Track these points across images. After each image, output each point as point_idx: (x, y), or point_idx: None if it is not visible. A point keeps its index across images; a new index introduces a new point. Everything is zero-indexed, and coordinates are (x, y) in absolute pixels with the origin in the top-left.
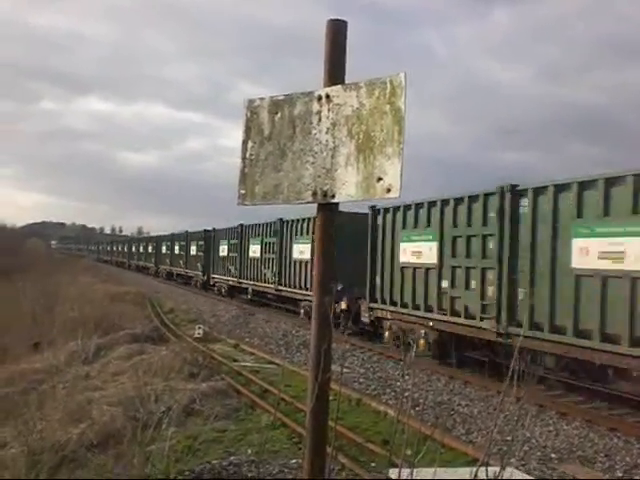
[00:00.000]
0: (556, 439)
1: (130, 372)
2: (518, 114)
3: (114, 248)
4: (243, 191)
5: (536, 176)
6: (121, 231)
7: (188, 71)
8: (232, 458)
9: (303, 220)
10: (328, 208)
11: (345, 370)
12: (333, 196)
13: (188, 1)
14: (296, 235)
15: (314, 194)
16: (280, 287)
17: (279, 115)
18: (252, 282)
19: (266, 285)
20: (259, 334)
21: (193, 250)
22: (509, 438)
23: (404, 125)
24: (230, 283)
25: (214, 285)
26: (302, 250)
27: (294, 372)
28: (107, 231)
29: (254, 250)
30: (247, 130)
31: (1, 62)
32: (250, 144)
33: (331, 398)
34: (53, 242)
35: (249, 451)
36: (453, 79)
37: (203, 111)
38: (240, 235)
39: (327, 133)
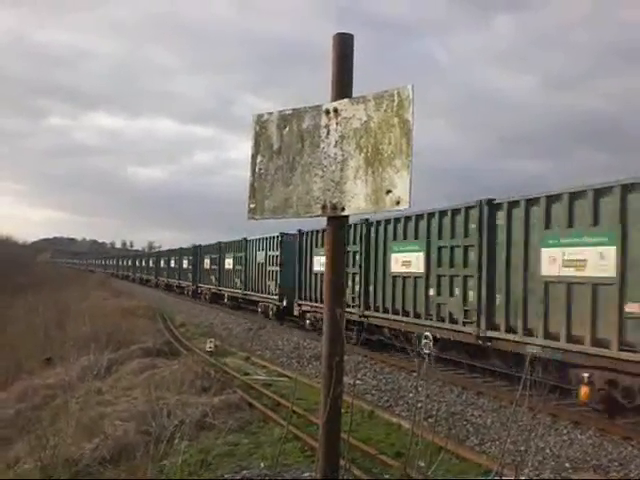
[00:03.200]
0: (570, 448)
1: (142, 386)
2: (524, 122)
3: (120, 263)
4: (253, 205)
5: (543, 184)
6: (132, 245)
7: (194, 85)
8: (245, 472)
9: (264, 239)
10: (338, 221)
11: (357, 382)
12: (343, 209)
13: (193, 16)
14: (258, 250)
15: (323, 207)
16: (246, 292)
17: (287, 129)
18: (228, 289)
19: (237, 291)
20: (270, 347)
21: (185, 264)
22: (523, 448)
23: (412, 137)
24: (212, 290)
25: (200, 293)
26: (260, 261)
27: (306, 385)
28: (118, 246)
29: (228, 263)
30: (256, 144)
31: (9, 79)
32: (259, 158)
33: (343, 410)
34: (48, 255)
35: (262, 464)
36: (457, 88)
37: (210, 125)
38: (219, 250)
39: (336, 146)
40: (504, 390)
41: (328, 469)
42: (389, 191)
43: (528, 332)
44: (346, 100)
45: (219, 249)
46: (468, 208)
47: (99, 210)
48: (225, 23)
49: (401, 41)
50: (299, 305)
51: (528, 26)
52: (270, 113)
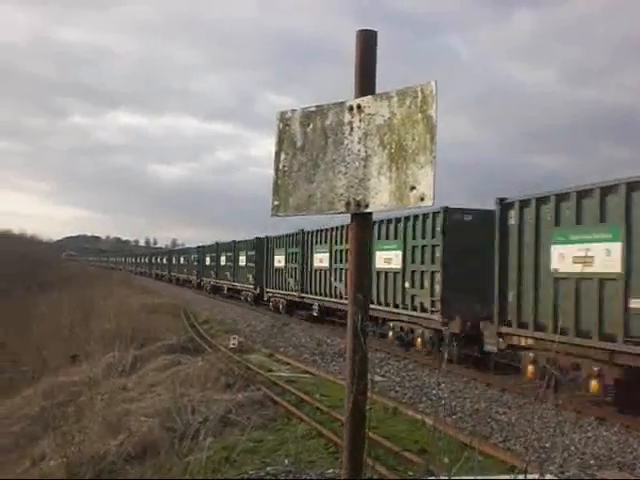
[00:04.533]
0: (595, 445)
1: (166, 383)
2: (544, 117)
3: (138, 260)
4: (277, 202)
5: (565, 179)
6: (155, 243)
7: (215, 83)
8: (269, 468)
9: (245, 241)
10: (362, 218)
11: (381, 379)
12: (366, 206)
13: (214, 14)
14: (241, 251)
15: (347, 204)
16: (234, 283)
17: (311, 126)
18: (221, 281)
19: (225, 282)
20: (293, 343)
21: (195, 261)
22: (547, 445)
23: (436, 133)
24: (212, 284)
25: (203, 285)
26: (225, 263)
27: (329, 381)
28: (142, 243)
29: (222, 260)
30: (279, 142)
31: (32, 78)
32: (283, 156)
33: (367, 407)
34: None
35: (286, 461)
36: (477, 83)
37: (231, 122)
38: (216, 250)
39: (359, 143)
40: (528, 387)
41: (352, 466)
42: (413, 187)
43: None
44: (369, 97)
45: (216, 249)
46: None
47: (122, 208)
48: (246, 21)
49: (421, 37)
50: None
51: (548, 20)
52: (293, 110)
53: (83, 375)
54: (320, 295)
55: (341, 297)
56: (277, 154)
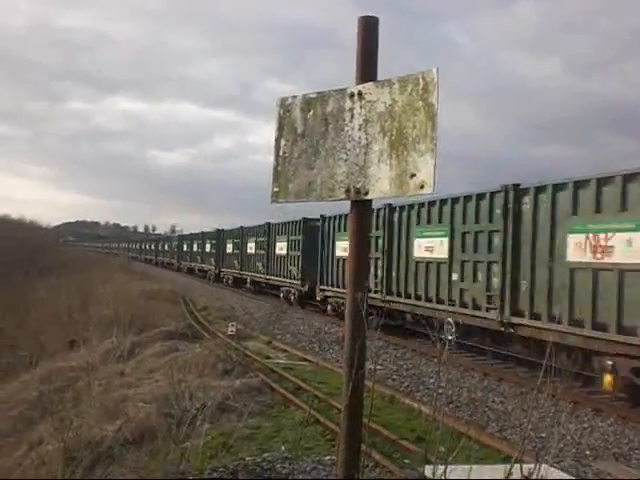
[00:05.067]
0: (591, 436)
1: (164, 369)
2: (549, 108)
3: (131, 246)
4: (276, 189)
5: (570, 171)
6: (154, 230)
7: (215, 69)
8: (266, 455)
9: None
10: (362, 205)
11: (378, 367)
12: (366, 193)
13: (215, 0)
14: (227, 239)
15: (347, 191)
16: (202, 265)
17: (312, 113)
18: (192, 263)
19: (204, 266)
20: (292, 331)
21: (175, 247)
22: (544, 435)
23: (437, 121)
24: (188, 266)
25: (182, 267)
26: (196, 249)
27: (327, 369)
28: (140, 230)
29: (194, 247)
30: (280, 128)
31: (31, 63)
32: (283, 142)
33: (364, 395)
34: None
35: (283, 448)
36: (481, 73)
37: (231, 109)
38: (190, 239)
39: (360, 130)
40: (526, 376)
41: (349, 453)
42: (413, 175)
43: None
44: (370, 83)
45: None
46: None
47: (121, 194)
48: (247, 7)
49: (423, 25)
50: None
51: (551, 10)
52: (294, 96)
53: (81, 360)
54: (282, 277)
55: (294, 278)
56: (277, 140)
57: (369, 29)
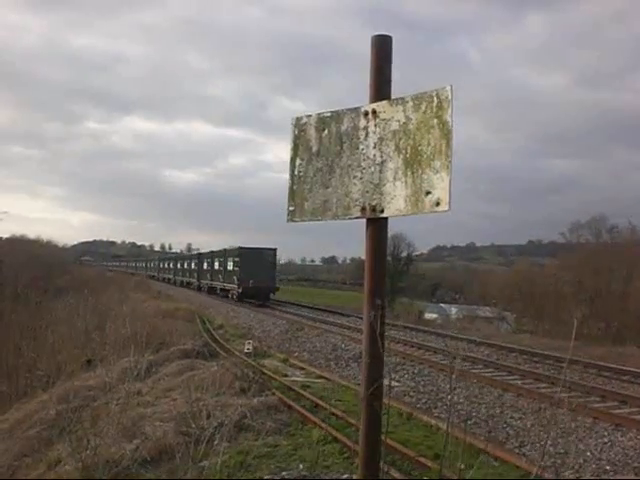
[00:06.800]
0: (611, 451)
1: (181, 388)
2: (559, 121)
3: (147, 265)
4: (292, 208)
5: (582, 184)
6: (170, 248)
7: (227, 88)
8: (284, 473)
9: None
10: (377, 223)
11: (396, 384)
12: (382, 211)
13: (225, 19)
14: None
15: (363, 209)
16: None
17: (326, 132)
18: (203, 281)
19: (190, 280)
20: (308, 348)
21: (192, 265)
22: (563, 450)
23: (452, 138)
24: (191, 281)
25: (202, 287)
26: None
27: (344, 386)
28: (157, 248)
29: (216, 265)
30: (295, 147)
31: (46, 84)
32: (298, 161)
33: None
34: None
35: (301, 466)
36: (491, 87)
37: (243, 127)
38: (198, 257)
39: (374, 148)
40: (545, 392)
41: (368, 471)
42: (428, 192)
43: None
44: (385, 102)
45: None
46: None
47: (137, 213)
48: (256, 26)
49: (433, 41)
50: None
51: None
52: (309, 116)
53: (98, 379)
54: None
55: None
56: (292, 159)
57: (383, 47)
